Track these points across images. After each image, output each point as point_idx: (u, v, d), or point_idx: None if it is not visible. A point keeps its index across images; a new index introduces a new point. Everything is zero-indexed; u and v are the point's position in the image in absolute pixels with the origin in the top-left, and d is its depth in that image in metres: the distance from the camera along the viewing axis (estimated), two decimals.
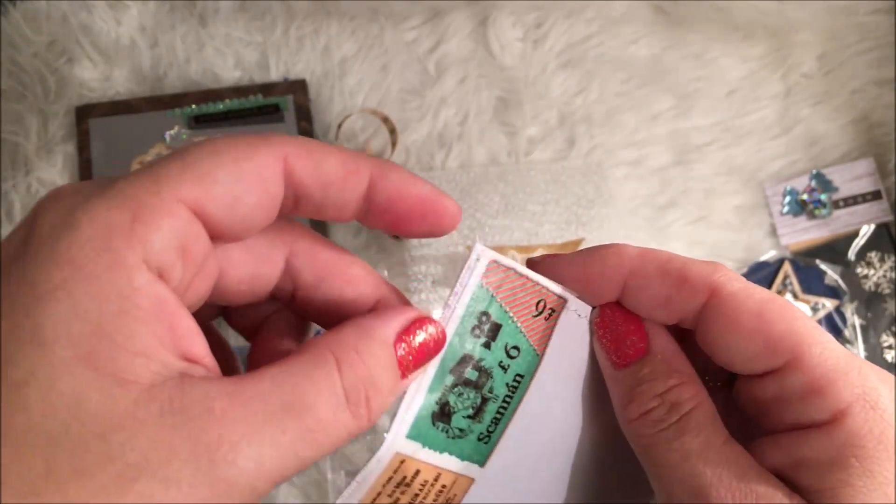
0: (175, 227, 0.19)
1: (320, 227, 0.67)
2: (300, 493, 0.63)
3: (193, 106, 0.69)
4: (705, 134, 0.72)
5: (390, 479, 0.24)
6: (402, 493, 0.24)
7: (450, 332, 0.24)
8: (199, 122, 0.69)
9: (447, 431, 0.25)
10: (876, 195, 0.71)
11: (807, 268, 0.69)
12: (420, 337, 0.22)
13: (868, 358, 0.67)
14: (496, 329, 0.24)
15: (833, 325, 0.68)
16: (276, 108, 0.70)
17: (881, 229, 0.70)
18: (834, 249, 0.70)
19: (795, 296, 0.67)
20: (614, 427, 0.26)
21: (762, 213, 0.71)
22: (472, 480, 0.25)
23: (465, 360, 0.24)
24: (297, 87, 0.70)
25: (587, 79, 0.73)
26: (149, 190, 0.19)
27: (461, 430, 0.25)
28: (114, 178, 0.20)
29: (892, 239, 0.70)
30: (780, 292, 0.68)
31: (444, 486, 0.25)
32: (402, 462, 0.24)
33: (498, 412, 0.25)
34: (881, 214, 0.71)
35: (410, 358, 0.22)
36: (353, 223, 0.69)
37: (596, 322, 0.25)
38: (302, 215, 0.23)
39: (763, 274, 0.69)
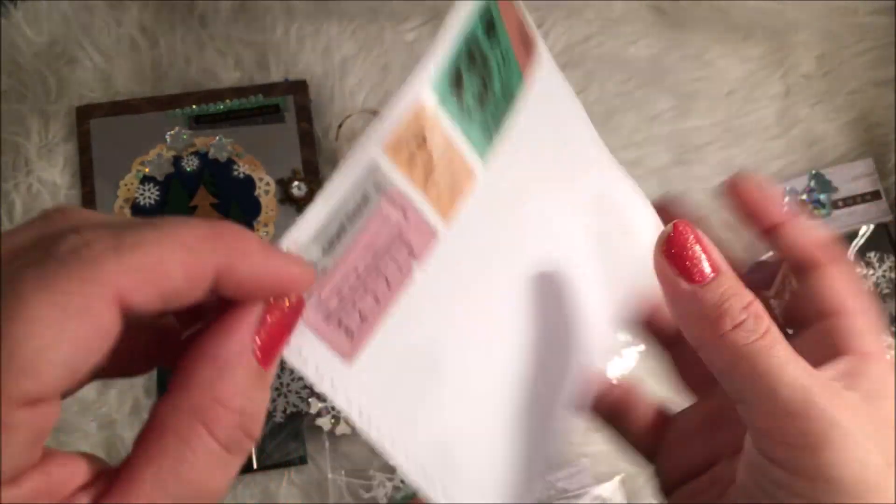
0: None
1: None
2: (300, 492, 0.63)
3: (194, 106, 0.70)
4: (705, 134, 0.73)
5: (410, 125, 0.23)
6: (420, 147, 0.24)
7: (471, 10, 0.25)
8: (200, 122, 0.69)
9: (460, 100, 0.25)
10: (875, 195, 0.71)
11: None
12: (274, 320, 0.21)
13: None
14: (492, 25, 0.26)
15: None
16: (277, 108, 0.70)
17: (880, 229, 0.70)
18: None
19: None
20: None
21: None
22: (475, 180, 0.26)
23: (476, 39, 0.25)
24: (298, 88, 0.70)
25: (587, 79, 0.73)
26: None
27: (470, 108, 0.25)
28: None
29: (892, 239, 0.70)
30: (779, 292, 0.68)
31: (452, 162, 0.25)
32: (423, 110, 0.24)
33: (497, 112, 0.26)
34: (880, 215, 0.71)
35: (271, 348, 0.21)
36: None
37: (668, 239, 0.26)
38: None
39: (762, 274, 0.69)
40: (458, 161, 0.25)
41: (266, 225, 0.67)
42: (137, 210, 0.67)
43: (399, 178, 0.23)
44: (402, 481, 0.63)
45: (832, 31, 0.74)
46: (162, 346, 0.23)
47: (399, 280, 0.24)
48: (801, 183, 0.71)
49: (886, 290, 0.69)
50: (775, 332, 0.25)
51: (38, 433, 0.18)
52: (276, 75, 0.71)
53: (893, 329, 0.68)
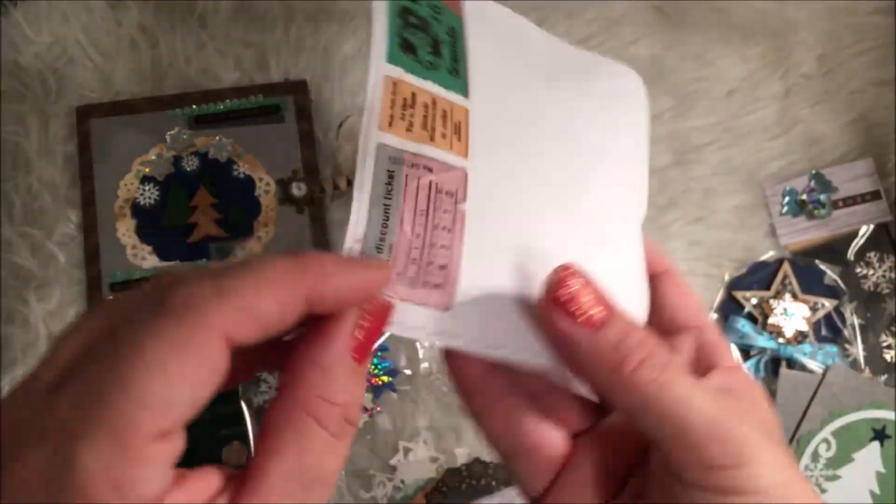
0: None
1: (320, 226, 0.68)
2: None
3: (194, 106, 0.70)
4: (705, 134, 0.73)
5: (393, 101, 0.26)
6: (412, 114, 0.26)
7: None
8: (200, 122, 0.69)
9: (419, 61, 0.27)
10: (875, 195, 0.71)
11: (806, 268, 0.69)
12: (366, 322, 0.23)
13: (867, 358, 0.67)
14: None
15: (832, 325, 0.68)
16: (277, 108, 0.70)
17: (880, 229, 0.70)
18: (833, 249, 0.70)
19: (795, 296, 0.68)
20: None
21: (761, 214, 0.71)
22: (468, 112, 0.28)
23: (405, 7, 0.27)
24: (298, 88, 0.70)
25: None
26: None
27: (430, 62, 0.27)
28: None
29: (892, 239, 0.70)
30: (779, 292, 0.68)
31: (445, 111, 0.27)
32: (396, 84, 0.26)
33: (454, 52, 0.29)
34: (880, 215, 0.71)
35: (365, 347, 0.23)
36: None
37: (556, 286, 0.25)
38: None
39: (762, 274, 0.69)
40: (447, 104, 0.27)
41: (266, 225, 0.67)
42: (137, 210, 0.67)
43: (409, 144, 0.26)
44: (403, 481, 0.63)
45: (832, 31, 0.74)
46: (265, 355, 0.26)
47: (455, 222, 0.26)
48: (801, 183, 0.71)
49: (886, 290, 0.69)
50: (674, 361, 0.25)
51: (170, 459, 0.20)
52: (276, 75, 0.71)
53: (893, 329, 0.68)
